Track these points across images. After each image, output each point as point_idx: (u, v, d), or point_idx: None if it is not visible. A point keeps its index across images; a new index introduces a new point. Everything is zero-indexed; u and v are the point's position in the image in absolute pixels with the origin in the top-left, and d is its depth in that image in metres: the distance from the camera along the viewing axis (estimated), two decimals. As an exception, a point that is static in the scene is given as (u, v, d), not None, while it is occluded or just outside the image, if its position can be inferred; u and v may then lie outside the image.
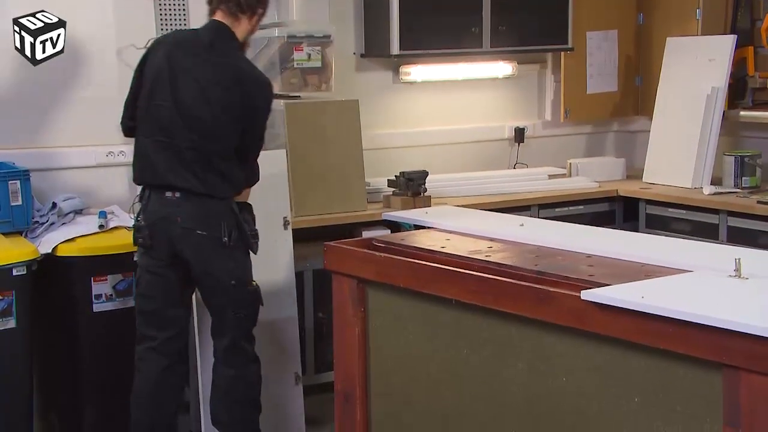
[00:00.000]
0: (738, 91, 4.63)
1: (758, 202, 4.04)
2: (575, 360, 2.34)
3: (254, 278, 3.18)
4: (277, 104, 3.99)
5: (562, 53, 4.89)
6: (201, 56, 3.06)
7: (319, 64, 4.10)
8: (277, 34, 4.02)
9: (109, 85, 3.95)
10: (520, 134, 4.97)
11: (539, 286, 2.41)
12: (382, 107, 4.63)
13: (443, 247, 2.91)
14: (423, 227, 3.26)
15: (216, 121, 3.03)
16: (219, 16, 3.10)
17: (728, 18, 4.66)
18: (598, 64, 5.02)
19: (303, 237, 3.98)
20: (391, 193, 4.19)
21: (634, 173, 4.86)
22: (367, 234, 3.82)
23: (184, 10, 4.04)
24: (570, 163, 4.84)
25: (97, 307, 3.44)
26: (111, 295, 3.46)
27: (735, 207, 4.10)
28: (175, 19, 4.03)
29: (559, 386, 2.38)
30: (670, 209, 4.41)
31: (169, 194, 3.05)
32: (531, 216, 4.23)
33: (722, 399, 1.99)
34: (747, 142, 4.69)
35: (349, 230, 4.00)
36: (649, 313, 2.11)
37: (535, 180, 4.67)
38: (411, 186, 4.12)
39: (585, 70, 4.98)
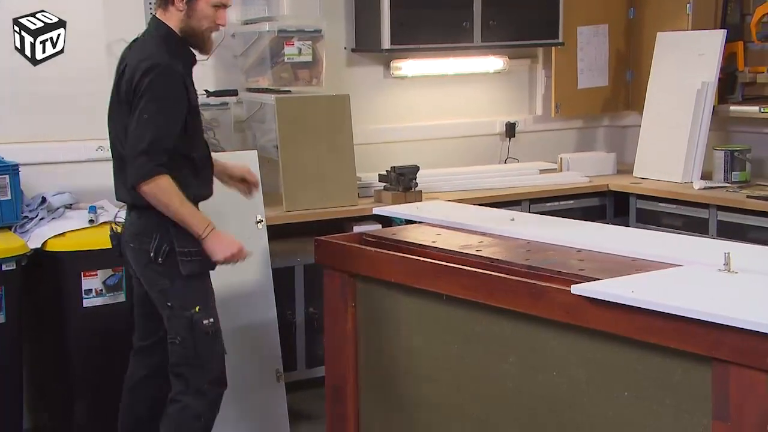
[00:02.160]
0: (728, 86, 4.64)
1: (748, 196, 4.05)
2: (566, 354, 2.34)
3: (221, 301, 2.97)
4: (268, 99, 4.00)
5: (553, 48, 4.90)
6: (122, 60, 2.92)
7: (309, 58, 4.09)
8: (267, 29, 4.00)
9: (99, 79, 3.93)
10: (511, 129, 4.97)
11: (530, 280, 2.42)
12: (373, 102, 4.62)
13: (434, 242, 2.91)
14: (414, 222, 3.26)
15: (119, 124, 2.84)
16: (158, 13, 2.91)
17: (718, 13, 4.67)
18: (588, 59, 5.02)
19: (294, 232, 3.97)
20: (382, 188, 4.19)
21: (624, 168, 4.87)
22: (358, 229, 3.82)
23: (174, 4, 4.02)
24: (561, 158, 4.85)
25: (87, 302, 3.43)
26: (101, 290, 3.45)
27: (725, 201, 4.12)
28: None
29: (550, 380, 2.38)
30: (660, 204, 4.42)
31: (121, 201, 3.00)
32: (522, 211, 4.23)
33: (711, 393, 2.00)
34: (737, 137, 4.70)
35: (340, 225, 4.00)
36: (639, 308, 2.12)
37: (526, 175, 4.67)
38: (402, 181, 4.12)
39: (576, 65, 4.99)
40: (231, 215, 3.36)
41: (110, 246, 3.04)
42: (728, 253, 2.35)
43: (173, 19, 2.85)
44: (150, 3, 3.97)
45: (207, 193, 2.97)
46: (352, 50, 4.52)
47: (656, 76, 4.70)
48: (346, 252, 2.96)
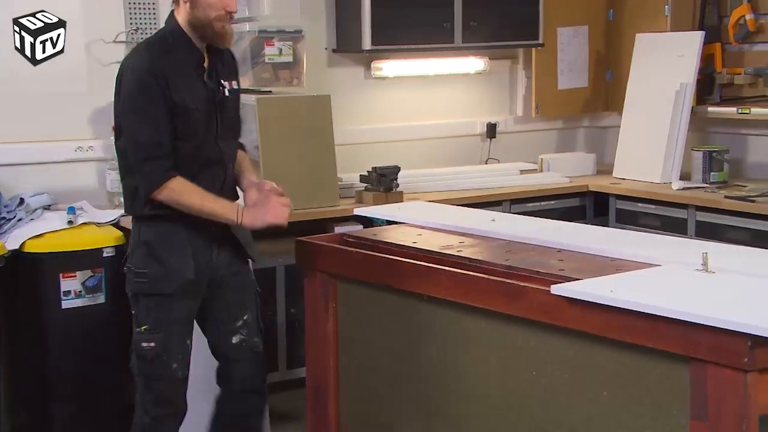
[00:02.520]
0: (706, 87, 4.68)
1: (726, 197, 4.08)
2: (546, 354, 2.35)
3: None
4: (249, 99, 3.98)
5: (533, 49, 4.92)
6: None
7: (290, 59, 4.09)
8: (248, 29, 4.00)
9: (78, 80, 3.91)
10: (491, 130, 4.99)
11: (510, 281, 2.43)
12: (354, 102, 4.62)
13: (415, 243, 2.92)
14: (395, 223, 3.27)
15: (116, 125, 2.81)
16: (173, 8, 2.82)
17: (696, 15, 4.71)
18: (568, 59, 5.05)
19: (275, 233, 3.95)
20: (363, 188, 4.19)
21: (604, 168, 4.89)
22: (339, 229, 3.81)
23: (153, 3, 4.01)
24: (541, 159, 4.87)
25: (66, 304, 3.41)
26: (80, 291, 3.43)
27: (703, 202, 4.15)
28: (145, 14, 4.00)
29: (529, 380, 2.39)
30: (639, 204, 4.45)
31: None
32: (503, 211, 4.25)
33: (689, 392, 2.01)
34: (715, 138, 4.74)
35: (322, 226, 3.98)
36: (617, 307, 2.13)
37: (506, 175, 4.69)
38: (383, 181, 4.12)
39: (556, 66, 5.01)
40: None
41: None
42: (706, 254, 2.36)
43: (182, 14, 2.75)
44: (129, 2, 3.95)
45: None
46: (333, 51, 4.52)
47: (635, 77, 4.73)
48: (327, 253, 2.96)
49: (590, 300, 2.19)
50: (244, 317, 2.92)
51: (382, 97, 4.72)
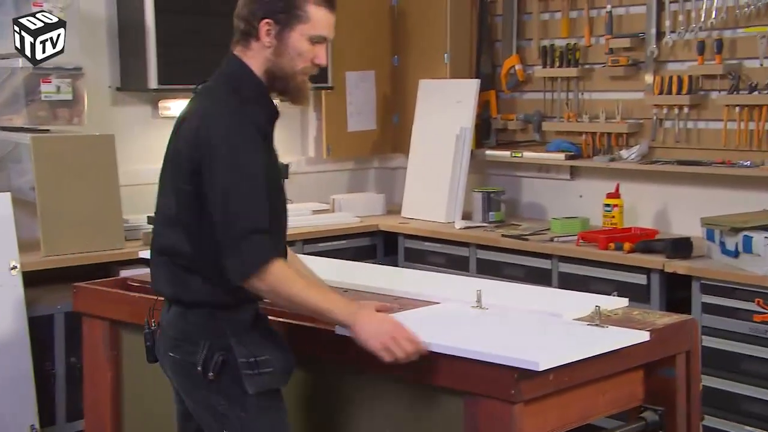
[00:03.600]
0: (483, 132, 4.96)
1: (502, 235, 4.33)
2: (337, 391, 2.38)
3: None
4: (23, 138, 3.78)
5: (323, 92, 5.02)
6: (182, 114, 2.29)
7: (69, 96, 3.92)
8: (21, 65, 3.79)
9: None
10: (285, 170, 5.02)
11: (299, 322, 2.43)
12: (141, 142, 4.49)
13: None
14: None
15: (168, 190, 2.23)
16: (236, 50, 2.26)
17: (473, 63, 5.00)
18: (357, 102, 5.19)
19: (56, 278, 3.76)
20: (150, 230, 4.07)
21: (393, 208, 5.05)
22: (125, 273, 3.67)
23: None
24: (333, 199, 4.95)
25: None
26: None
27: (483, 240, 4.38)
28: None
29: (328, 417, 2.40)
30: (426, 243, 4.62)
31: (159, 293, 2.33)
32: (296, 251, 4.23)
33: (463, 425, 2.09)
34: (493, 179, 5.03)
35: (108, 270, 3.84)
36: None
37: (299, 215, 4.72)
38: (171, 223, 4.02)
39: (345, 109, 5.14)
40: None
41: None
42: (479, 291, 2.49)
43: (257, 59, 2.20)
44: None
45: None
46: (117, 89, 4.39)
47: (419, 121, 4.94)
48: (106, 298, 2.85)
49: (371, 339, 2.23)
50: None
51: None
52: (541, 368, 1.99)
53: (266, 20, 2.17)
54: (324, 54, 2.24)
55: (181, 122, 2.25)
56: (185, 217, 2.18)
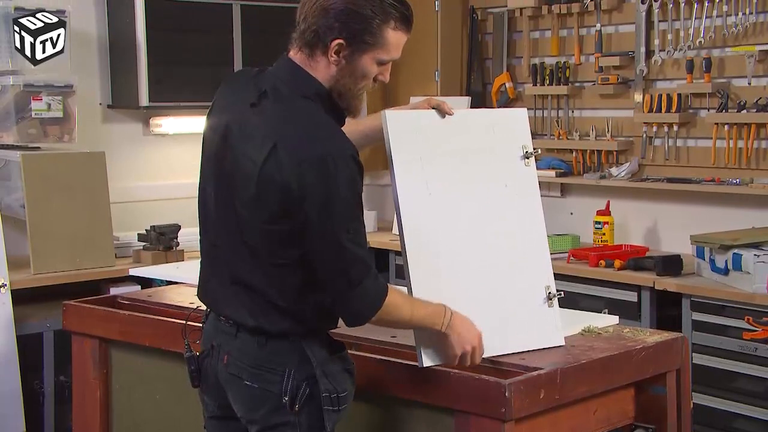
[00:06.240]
0: (475, 149, 4.97)
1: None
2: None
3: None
4: (14, 156, 3.78)
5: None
6: (245, 114, 2.11)
7: (60, 114, 3.92)
8: (11, 83, 3.79)
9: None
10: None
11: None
12: (132, 159, 4.50)
13: (192, 303, 2.85)
14: (176, 283, 3.19)
15: (249, 213, 2.05)
16: (292, 53, 2.11)
17: (463, 80, 5.02)
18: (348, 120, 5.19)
19: (46, 296, 3.75)
20: (141, 247, 4.07)
21: (384, 225, 5.05)
22: (115, 291, 3.67)
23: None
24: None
25: None
26: None
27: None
28: None
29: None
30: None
31: (223, 318, 2.15)
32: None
33: (455, 442, 2.09)
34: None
35: (96, 287, 3.83)
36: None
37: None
38: (162, 240, 4.03)
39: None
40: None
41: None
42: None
43: (320, 72, 2.06)
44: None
45: None
46: (108, 106, 4.40)
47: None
48: (97, 316, 2.83)
49: (362, 357, 2.23)
50: None
51: (162, 153, 4.63)
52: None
53: (339, 41, 2.03)
54: (388, 73, 2.12)
55: (227, 139, 2.14)
56: (267, 255, 2.03)
